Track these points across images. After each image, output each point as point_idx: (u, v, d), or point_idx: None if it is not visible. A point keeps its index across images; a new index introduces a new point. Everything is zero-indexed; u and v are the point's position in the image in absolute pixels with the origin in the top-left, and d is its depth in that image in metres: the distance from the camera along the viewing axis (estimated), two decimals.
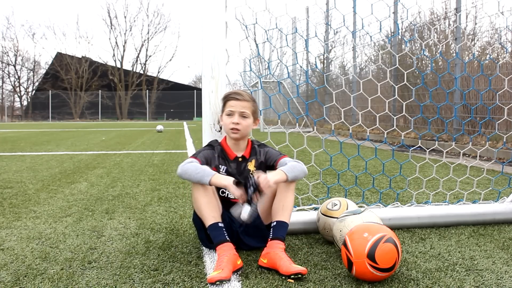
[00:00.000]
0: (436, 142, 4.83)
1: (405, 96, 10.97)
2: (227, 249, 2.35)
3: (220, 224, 2.44)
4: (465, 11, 9.65)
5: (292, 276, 2.18)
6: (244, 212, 2.31)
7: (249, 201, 2.31)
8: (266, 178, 2.34)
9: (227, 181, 2.36)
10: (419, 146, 5.23)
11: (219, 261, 2.28)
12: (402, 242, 2.78)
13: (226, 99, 2.66)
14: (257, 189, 2.31)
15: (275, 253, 2.32)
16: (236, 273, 2.26)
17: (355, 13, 11.21)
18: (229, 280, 2.15)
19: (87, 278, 2.22)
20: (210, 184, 2.40)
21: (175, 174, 5.63)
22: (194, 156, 2.59)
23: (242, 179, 2.41)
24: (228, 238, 2.42)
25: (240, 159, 2.68)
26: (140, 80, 43.91)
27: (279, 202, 2.52)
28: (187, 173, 2.44)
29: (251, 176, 2.35)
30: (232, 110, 2.62)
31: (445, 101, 9.20)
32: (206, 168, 2.47)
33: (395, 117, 4.47)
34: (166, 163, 6.80)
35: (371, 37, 13.33)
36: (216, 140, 2.76)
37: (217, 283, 2.12)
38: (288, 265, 2.22)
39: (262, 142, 2.82)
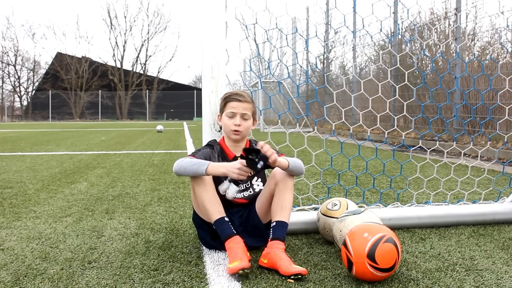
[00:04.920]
0: (437, 142, 4.82)
1: (404, 96, 10.97)
2: (238, 241, 2.37)
3: (226, 219, 2.46)
4: (465, 11, 9.65)
5: (292, 277, 2.18)
6: (231, 190, 2.46)
7: (238, 181, 2.45)
8: (272, 151, 2.40)
9: (225, 167, 2.40)
10: (420, 146, 5.24)
11: (233, 253, 2.30)
12: (402, 242, 2.78)
13: (227, 100, 2.64)
14: (266, 163, 2.38)
15: (275, 253, 2.32)
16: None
17: (355, 12, 11.22)
18: (249, 268, 2.18)
19: (87, 278, 2.22)
20: (206, 174, 2.42)
21: (174, 174, 5.63)
22: (192, 155, 2.60)
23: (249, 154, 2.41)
24: (235, 232, 2.43)
25: (239, 159, 2.67)
26: (140, 80, 43.91)
27: (278, 201, 2.51)
28: (182, 167, 2.46)
29: (259, 151, 2.38)
30: (233, 111, 2.61)
31: (444, 101, 9.20)
32: (201, 160, 2.49)
33: (396, 117, 4.47)
34: (166, 163, 6.80)
35: (371, 36, 13.33)
36: (215, 140, 2.76)
37: (240, 271, 2.14)
38: (288, 266, 2.22)
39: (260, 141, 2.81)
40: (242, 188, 2.69)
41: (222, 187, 2.56)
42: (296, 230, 2.94)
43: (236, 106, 2.61)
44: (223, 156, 2.67)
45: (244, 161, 2.36)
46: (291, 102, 17.71)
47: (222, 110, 2.68)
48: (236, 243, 2.36)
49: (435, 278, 2.21)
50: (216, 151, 2.67)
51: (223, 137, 2.74)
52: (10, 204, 3.93)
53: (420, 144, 4.07)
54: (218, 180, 2.63)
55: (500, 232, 3.01)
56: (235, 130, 2.61)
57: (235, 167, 2.36)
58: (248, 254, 2.35)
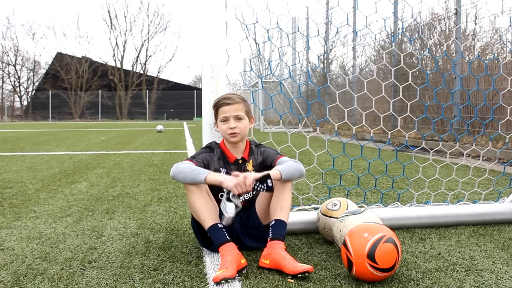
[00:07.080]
0: (440, 142, 4.82)
1: (405, 96, 10.96)
2: (230, 249, 2.35)
3: (219, 225, 2.44)
4: (465, 11, 9.65)
5: (300, 275, 2.17)
6: (229, 208, 2.41)
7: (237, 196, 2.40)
8: (246, 178, 2.36)
9: (223, 177, 2.38)
10: (422, 147, 5.27)
11: (223, 261, 2.28)
12: (402, 242, 2.78)
13: (217, 106, 2.64)
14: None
15: (278, 253, 2.31)
16: (241, 272, 2.25)
17: (357, 9, 11.20)
18: (234, 278, 2.16)
19: (87, 278, 2.22)
20: (206, 182, 2.40)
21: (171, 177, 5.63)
22: (191, 159, 2.57)
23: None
24: (229, 238, 2.42)
25: (240, 161, 2.66)
26: (140, 80, 43.91)
27: (277, 201, 2.50)
28: (181, 172, 2.43)
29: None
30: (226, 115, 2.60)
31: (444, 101, 9.20)
32: (201, 168, 2.47)
33: (399, 118, 4.46)
34: (166, 163, 6.80)
35: (375, 35, 13.32)
36: (216, 142, 2.74)
37: (222, 281, 2.12)
38: (294, 264, 2.21)
39: (259, 143, 2.81)
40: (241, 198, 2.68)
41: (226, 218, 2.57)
42: (296, 230, 2.93)
43: (227, 110, 2.60)
44: (224, 159, 2.65)
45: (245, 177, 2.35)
46: (292, 102, 17.70)
47: (215, 117, 2.68)
48: (227, 251, 2.34)
49: (435, 278, 2.21)
50: (216, 154, 2.65)
51: (223, 140, 2.72)
52: (10, 204, 3.93)
53: (423, 145, 4.07)
54: (217, 187, 2.63)
55: (500, 232, 3.01)
56: (232, 133, 2.60)
57: (232, 179, 2.35)
58: (243, 261, 2.30)
